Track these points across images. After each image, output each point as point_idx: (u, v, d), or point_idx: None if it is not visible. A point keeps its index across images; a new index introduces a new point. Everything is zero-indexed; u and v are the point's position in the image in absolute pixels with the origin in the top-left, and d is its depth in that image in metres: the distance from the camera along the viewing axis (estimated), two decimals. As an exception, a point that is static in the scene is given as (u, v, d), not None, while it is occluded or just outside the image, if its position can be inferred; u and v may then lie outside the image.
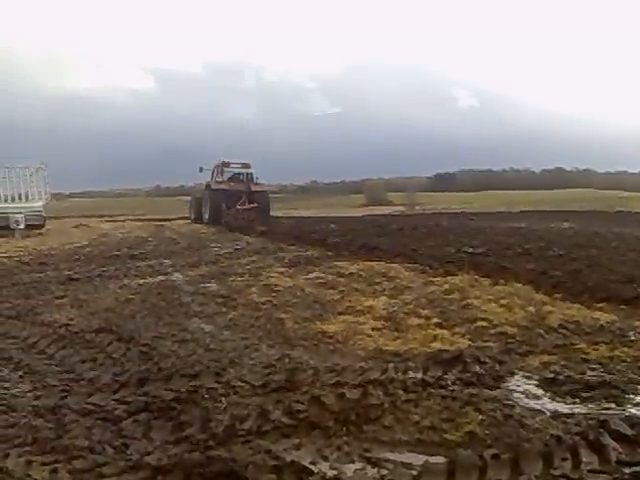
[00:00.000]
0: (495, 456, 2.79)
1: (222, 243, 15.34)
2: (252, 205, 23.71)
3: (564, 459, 2.82)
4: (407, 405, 3.55)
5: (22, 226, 20.07)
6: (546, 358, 4.48)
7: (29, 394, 3.94)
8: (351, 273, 8.92)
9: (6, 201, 21.12)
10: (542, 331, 5.24)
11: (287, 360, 4.47)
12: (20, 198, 21.39)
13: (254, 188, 24.02)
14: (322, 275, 8.81)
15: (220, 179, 24.47)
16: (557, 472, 2.73)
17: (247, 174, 24.83)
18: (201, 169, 25.85)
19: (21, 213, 20.33)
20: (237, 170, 24.87)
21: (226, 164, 24.98)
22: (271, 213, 25.31)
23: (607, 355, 4.52)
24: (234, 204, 23.41)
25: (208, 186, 24.66)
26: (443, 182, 72.78)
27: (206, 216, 23.70)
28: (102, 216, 35.37)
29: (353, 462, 2.95)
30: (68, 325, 5.88)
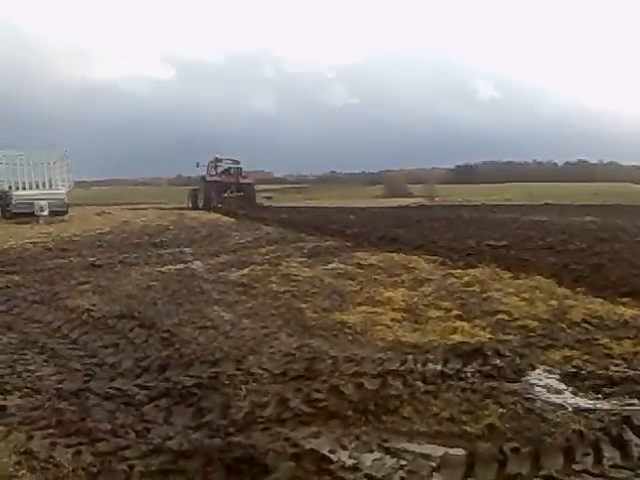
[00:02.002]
0: (515, 450, 2.78)
1: (242, 232, 15.40)
2: (239, 194, 28.46)
3: (586, 454, 2.80)
4: (426, 396, 3.54)
5: (46, 213, 20.38)
6: (568, 352, 4.43)
7: (53, 377, 4.02)
8: (370, 264, 8.90)
9: (30, 188, 21.48)
10: (564, 325, 5.18)
11: (306, 349, 4.49)
12: (44, 185, 21.73)
13: (242, 180, 28.95)
14: (341, 266, 8.80)
15: (213, 173, 29.13)
16: (578, 467, 2.71)
17: (237, 169, 29.47)
18: (198, 164, 30.13)
19: (45, 200, 20.64)
20: (228, 165, 29.50)
21: (219, 160, 29.54)
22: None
23: (631, 351, 4.45)
24: (224, 193, 28.29)
25: (203, 179, 29.26)
26: (464, 174, 71.97)
27: (200, 203, 28.18)
28: (124, 204, 35.74)
29: (372, 452, 2.95)
30: (91, 311, 5.98)
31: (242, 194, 28.58)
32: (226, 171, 29.41)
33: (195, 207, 28.29)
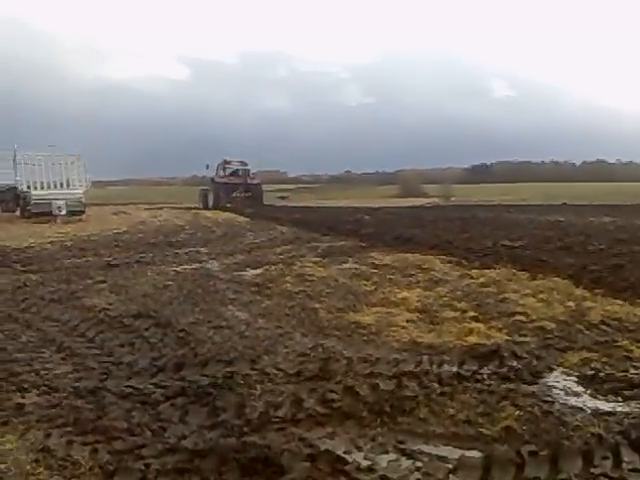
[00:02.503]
0: (533, 453, 2.75)
1: (256, 232, 15.45)
2: (247, 194, 29.92)
3: (605, 458, 2.76)
4: (442, 398, 3.52)
5: (63, 212, 20.62)
6: (586, 355, 4.36)
7: (70, 376, 4.06)
8: (385, 264, 8.86)
9: (49, 188, 21.73)
10: (582, 327, 5.11)
11: (321, 349, 4.48)
12: (62, 185, 21.98)
13: (250, 181, 30.54)
14: (356, 266, 8.79)
15: (222, 174, 30.48)
16: (597, 471, 2.67)
17: (244, 170, 30.93)
18: (207, 166, 31.72)
19: (63, 200, 20.88)
20: (236, 167, 30.87)
21: (228, 162, 30.92)
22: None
23: (651, 353, 4.38)
24: (232, 194, 29.85)
25: (212, 180, 30.60)
26: (480, 174, 71.56)
27: (210, 203, 29.66)
28: (140, 204, 36.04)
29: (387, 453, 2.94)
30: (107, 310, 6.03)
31: (250, 194, 29.94)
32: (234, 172, 30.73)
33: (205, 207, 29.58)
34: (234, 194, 29.66)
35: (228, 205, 28.17)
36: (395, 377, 3.78)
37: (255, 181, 31.10)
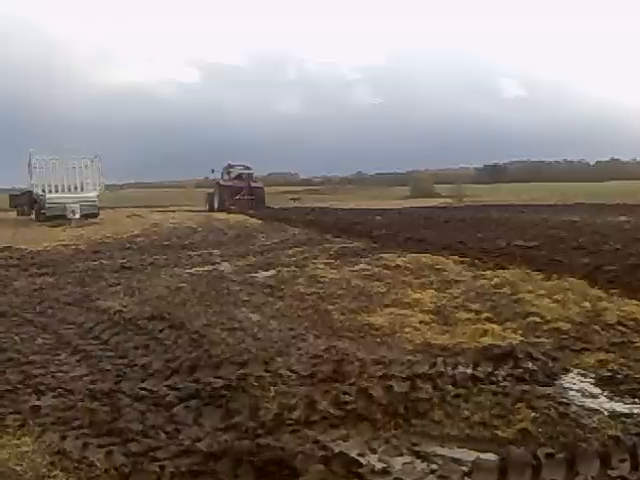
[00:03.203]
0: (550, 455, 2.72)
1: (268, 234, 15.48)
2: (250, 197, 30.83)
3: (622, 460, 2.72)
4: (457, 400, 3.49)
5: (77, 215, 20.82)
6: (603, 356, 4.31)
7: (85, 378, 4.09)
8: (397, 265, 8.83)
9: (63, 191, 21.94)
10: (598, 328, 5.05)
11: (334, 351, 4.47)
12: (76, 189, 22.19)
13: (253, 184, 31.61)
14: (368, 267, 8.76)
15: (227, 178, 31.74)
16: (615, 473, 2.63)
17: (248, 174, 32.22)
18: (213, 171, 33.06)
19: (77, 203, 21.08)
20: (240, 171, 32.03)
21: (232, 166, 32.19)
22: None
23: (669, 354, 4.32)
24: (236, 196, 30.77)
25: (218, 183, 31.60)
26: (492, 174, 71.12)
27: (215, 205, 30.74)
28: (153, 207, 36.33)
29: (402, 455, 2.92)
30: (122, 312, 6.07)
31: (253, 197, 31.05)
32: (238, 176, 31.92)
33: (211, 209, 30.66)
34: (237, 196, 30.66)
35: (232, 207, 28.99)
36: (409, 379, 3.76)
37: (258, 184, 32.46)
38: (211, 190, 32.60)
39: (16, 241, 14.49)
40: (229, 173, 32.01)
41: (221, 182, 31.55)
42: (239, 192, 30.80)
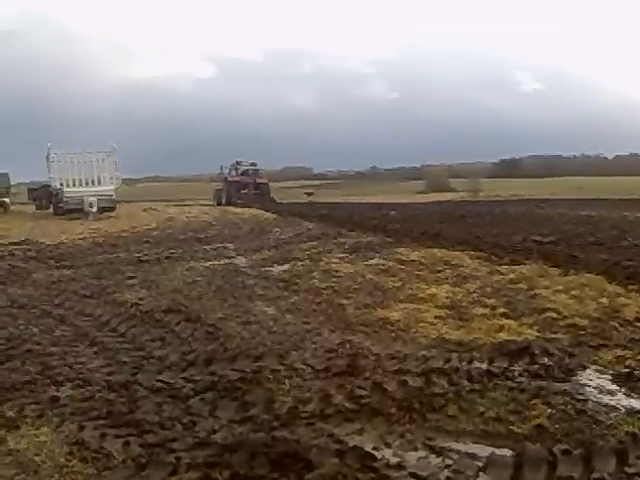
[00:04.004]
0: (566, 452, 2.69)
1: (283, 228, 15.51)
2: (256, 192, 33.12)
3: (639, 457, 2.69)
4: (472, 395, 3.48)
5: (95, 209, 21.02)
6: (621, 352, 4.26)
7: (103, 369, 4.14)
8: (412, 260, 8.79)
9: (80, 185, 22.17)
10: (616, 324, 4.99)
11: (348, 345, 4.47)
12: (93, 183, 22.40)
13: (258, 180, 33.80)
14: (383, 262, 8.74)
15: (234, 174, 33.86)
16: (632, 470, 2.61)
17: (254, 170, 34.33)
18: (221, 167, 35.43)
19: (94, 197, 21.29)
20: (246, 167, 34.16)
21: (239, 163, 34.41)
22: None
23: (688, 351, 4.25)
24: (243, 191, 33.15)
25: (226, 179, 33.87)
26: (509, 168, 70.40)
27: (223, 200, 32.56)
28: (169, 201, 36.70)
29: (416, 450, 2.92)
30: (138, 305, 6.13)
31: (258, 192, 33.16)
32: (245, 172, 33.96)
33: (219, 203, 32.51)
34: (244, 191, 32.82)
35: (239, 201, 30.87)
36: (424, 374, 3.75)
37: (263, 180, 34.48)
38: (219, 186, 34.63)
39: (34, 234, 14.69)
40: (237, 170, 34.03)
41: (229, 178, 33.61)
42: (245, 187, 33.07)
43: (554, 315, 5.35)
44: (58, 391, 3.68)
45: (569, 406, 3.27)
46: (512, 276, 7.25)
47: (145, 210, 25.18)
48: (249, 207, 26.69)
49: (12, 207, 28.01)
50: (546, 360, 4.03)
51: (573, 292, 6.18)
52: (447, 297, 6.28)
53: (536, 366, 3.93)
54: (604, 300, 5.82)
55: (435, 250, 9.68)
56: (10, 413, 3.33)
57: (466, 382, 3.66)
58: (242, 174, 33.79)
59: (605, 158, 78.34)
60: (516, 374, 3.81)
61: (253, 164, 34.81)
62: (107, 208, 21.77)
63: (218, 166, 35.84)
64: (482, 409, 3.31)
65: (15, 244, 12.64)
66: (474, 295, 6.35)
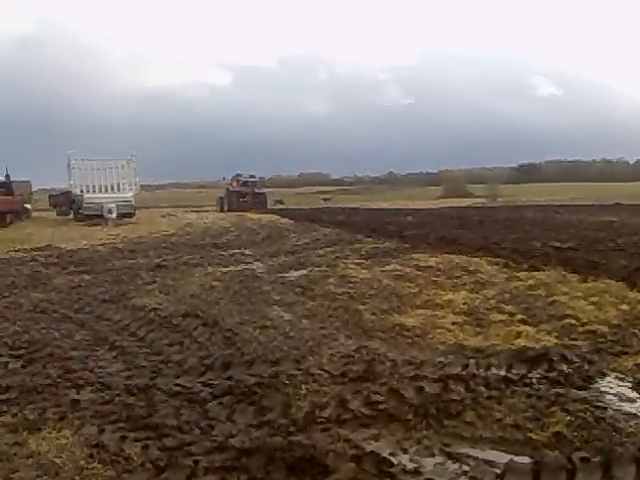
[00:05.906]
0: (585, 459, 2.67)
1: (299, 234, 15.56)
2: (254, 200, 37.46)
3: (660, 466, 2.65)
4: (489, 402, 3.46)
5: (114, 215, 21.33)
6: (641, 360, 4.20)
7: (122, 373, 4.19)
8: (429, 266, 8.75)
9: (100, 192, 22.50)
10: (637, 331, 4.92)
11: (365, 351, 4.46)
12: (112, 189, 22.72)
13: (257, 190, 38.74)
14: (399, 267, 8.70)
15: (235, 184, 38.56)
16: (651, 479, 2.57)
17: (252, 182, 39.09)
18: (224, 178, 42.09)
19: (113, 203, 21.58)
20: (246, 179, 38.71)
21: (239, 175, 39.12)
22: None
23: None
24: (242, 199, 37.68)
25: (227, 189, 38.91)
26: (527, 173, 69.83)
27: (225, 208, 36.97)
28: (186, 207, 37.42)
29: (433, 456, 2.91)
30: (157, 309, 6.19)
31: (256, 200, 37.57)
32: (244, 183, 38.45)
33: (221, 210, 36.95)
34: (242, 199, 37.22)
35: (238, 208, 34.92)
36: (441, 380, 3.73)
37: (261, 191, 39.45)
38: (222, 194, 39.51)
39: (55, 240, 14.95)
40: (237, 181, 38.81)
41: (230, 188, 38.58)
42: (244, 196, 37.78)
43: (573, 322, 5.29)
44: (78, 394, 3.74)
45: (588, 413, 3.23)
46: (531, 282, 7.18)
47: (163, 216, 25.47)
48: (265, 213, 27.97)
49: (34, 213, 28.52)
50: (565, 367, 3.99)
51: (592, 298, 6.10)
52: (464, 303, 6.24)
53: (554, 373, 3.90)
54: (624, 307, 5.74)
55: (452, 256, 9.62)
56: (32, 416, 3.40)
57: (483, 389, 3.63)
58: (242, 185, 38.43)
59: (626, 162, 77.36)
60: (534, 381, 3.77)
61: (252, 176, 39.71)
62: (126, 214, 22.08)
63: (240, 170, 39.76)
64: (500, 416, 3.29)
65: (37, 249, 12.90)
66: (492, 301, 6.30)
